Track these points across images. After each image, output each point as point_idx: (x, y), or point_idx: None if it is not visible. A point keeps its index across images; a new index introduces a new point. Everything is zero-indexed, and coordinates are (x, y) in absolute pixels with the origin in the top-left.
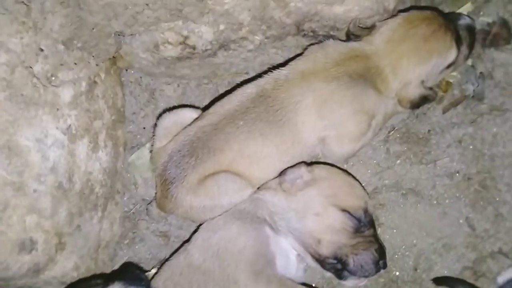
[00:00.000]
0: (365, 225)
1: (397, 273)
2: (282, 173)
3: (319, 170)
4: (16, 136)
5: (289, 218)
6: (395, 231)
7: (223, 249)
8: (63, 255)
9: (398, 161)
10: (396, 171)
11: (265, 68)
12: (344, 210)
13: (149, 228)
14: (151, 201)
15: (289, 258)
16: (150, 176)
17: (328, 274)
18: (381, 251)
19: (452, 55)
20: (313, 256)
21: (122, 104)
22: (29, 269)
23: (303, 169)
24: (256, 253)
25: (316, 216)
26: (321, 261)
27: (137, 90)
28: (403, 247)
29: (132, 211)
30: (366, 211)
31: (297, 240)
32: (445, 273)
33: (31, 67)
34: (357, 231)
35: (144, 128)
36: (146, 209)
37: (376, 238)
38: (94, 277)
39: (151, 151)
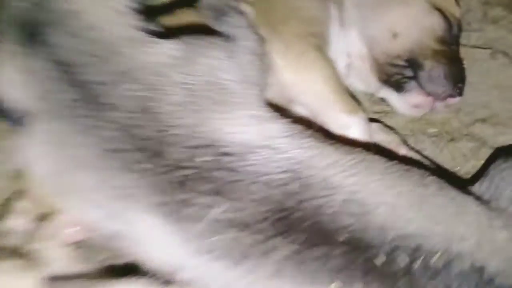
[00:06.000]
0: (453, 39)
1: (456, 125)
2: None
3: None
4: None
5: (365, 4)
6: (471, 88)
7: None
8: None
9: (493, 26)
10: (488, 34)
11: None
12: (438, 9)
13: None
14: None
15: (337, 62)
16: None
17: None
18: (463, 75)
19: None
20: (375, 60)
21: None
22: None
23: None
24: (313, 18)
25: (403, 4)
26: (385, 64)
27: None
28: (475, 104)
29: None
30: (458, 24)
31: (365, 34)
32: None
33: None
34: (443, 39)
35: None
36: None
37: (460, 61)
38: None
39: None
